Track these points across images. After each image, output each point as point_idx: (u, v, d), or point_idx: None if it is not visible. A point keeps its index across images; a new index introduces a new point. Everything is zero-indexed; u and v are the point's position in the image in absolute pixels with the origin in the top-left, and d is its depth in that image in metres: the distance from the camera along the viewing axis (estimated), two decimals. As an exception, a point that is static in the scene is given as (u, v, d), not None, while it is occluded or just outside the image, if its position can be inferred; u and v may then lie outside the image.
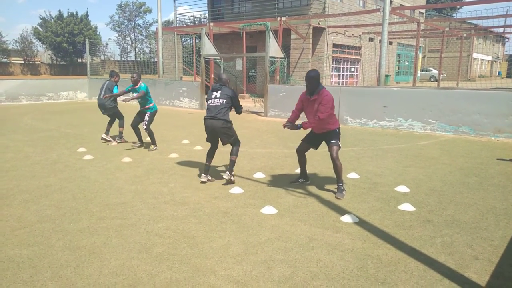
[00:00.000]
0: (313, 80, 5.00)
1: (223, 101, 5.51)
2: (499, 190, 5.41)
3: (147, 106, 7.82)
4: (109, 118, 8.80)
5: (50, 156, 7.27)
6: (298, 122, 5.23)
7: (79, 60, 54.18)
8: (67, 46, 50.85)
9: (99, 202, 4.84)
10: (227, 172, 5.61)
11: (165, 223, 4.21)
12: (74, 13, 52.78)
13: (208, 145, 5.90)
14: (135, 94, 7.76)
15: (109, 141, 8.53)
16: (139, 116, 7.92)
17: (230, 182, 5.62)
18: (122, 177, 5.94)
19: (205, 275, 3.16)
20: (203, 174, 5.75)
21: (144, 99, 7.79)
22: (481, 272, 3.21)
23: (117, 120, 8.74)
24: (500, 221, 4.28)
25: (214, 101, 5.56)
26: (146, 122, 7.79)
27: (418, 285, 3.03)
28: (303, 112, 5.32)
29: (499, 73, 52.30)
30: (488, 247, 3.67)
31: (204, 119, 5.62)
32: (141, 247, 3.64)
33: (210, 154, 5.84)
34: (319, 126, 5.11)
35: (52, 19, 52.29)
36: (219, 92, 5.58)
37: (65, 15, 52.36)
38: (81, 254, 3.50)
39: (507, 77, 44.17)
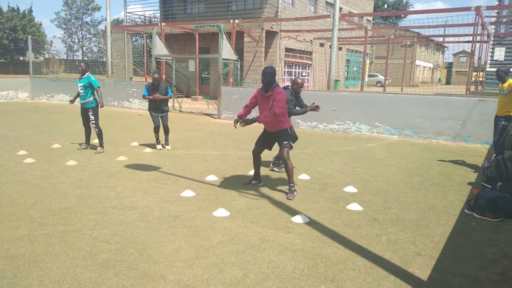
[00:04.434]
0: (269, 75, 5.10)
1: None
2: (439, 189, 5.73)
3: (86, 100, 7.52)
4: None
5: (-14, 159, 6.77)
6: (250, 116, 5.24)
7: (21, 58, 50.99)
8: (8, 43, 47.74)
9: (40, 207, 4.57)
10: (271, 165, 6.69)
11: (112, 228, 4.04)
12: (16, 7, 49.72)
13: None
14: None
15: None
16: (83, 117, 7.70)
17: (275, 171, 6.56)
18: (66, 181, 5.65)
19: (154, 281, 3.07)
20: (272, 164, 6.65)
21: (87, 91, 7.49)
22: (423, 267, 3.37)
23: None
24: (440, 219, 4.53)
25: None
26: (93, 122, 7.57)
27: (366, 282, 3.12)
28: (254, 109, 5.40)
29: (439, 80, 55.71)
30: (430, 243, 3.87)
31: None
32: (86, 254, 3.47)
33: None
34: (272, 123, 5.19)
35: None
36: None
37: (5, 9, 49.18)
38: (19, 263, 3.27)
39: (447, 83, 47.03)
